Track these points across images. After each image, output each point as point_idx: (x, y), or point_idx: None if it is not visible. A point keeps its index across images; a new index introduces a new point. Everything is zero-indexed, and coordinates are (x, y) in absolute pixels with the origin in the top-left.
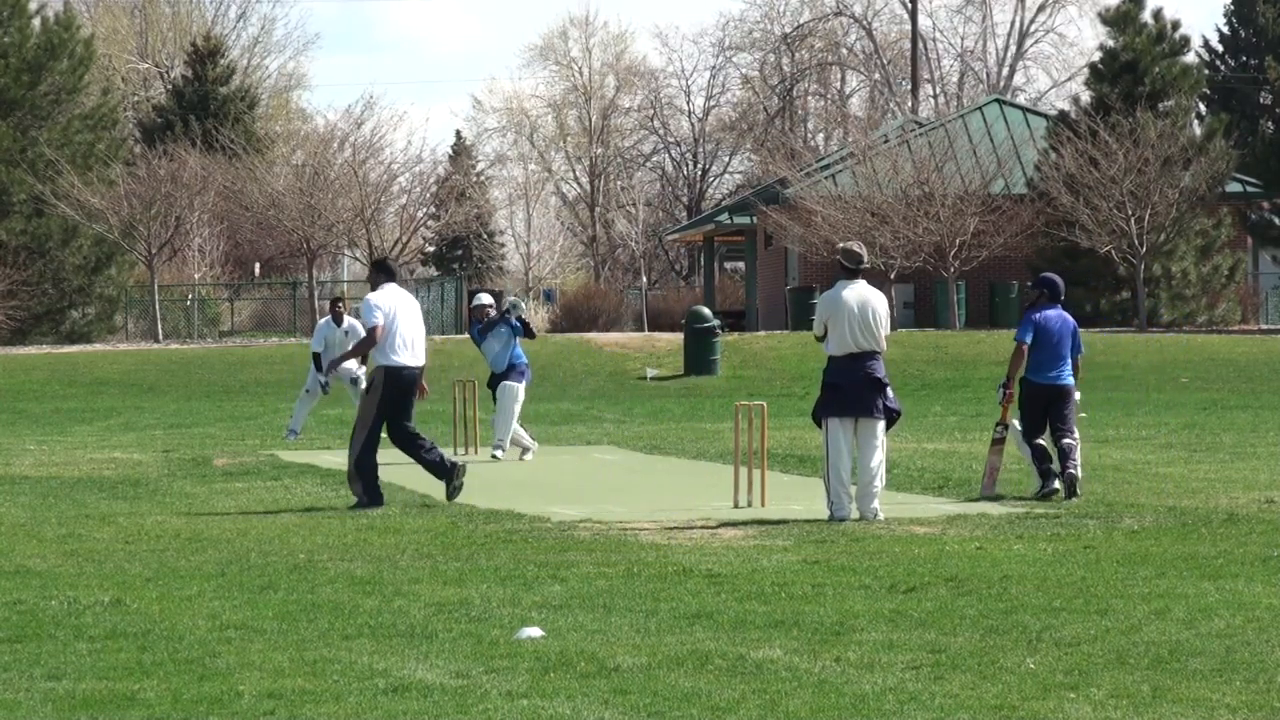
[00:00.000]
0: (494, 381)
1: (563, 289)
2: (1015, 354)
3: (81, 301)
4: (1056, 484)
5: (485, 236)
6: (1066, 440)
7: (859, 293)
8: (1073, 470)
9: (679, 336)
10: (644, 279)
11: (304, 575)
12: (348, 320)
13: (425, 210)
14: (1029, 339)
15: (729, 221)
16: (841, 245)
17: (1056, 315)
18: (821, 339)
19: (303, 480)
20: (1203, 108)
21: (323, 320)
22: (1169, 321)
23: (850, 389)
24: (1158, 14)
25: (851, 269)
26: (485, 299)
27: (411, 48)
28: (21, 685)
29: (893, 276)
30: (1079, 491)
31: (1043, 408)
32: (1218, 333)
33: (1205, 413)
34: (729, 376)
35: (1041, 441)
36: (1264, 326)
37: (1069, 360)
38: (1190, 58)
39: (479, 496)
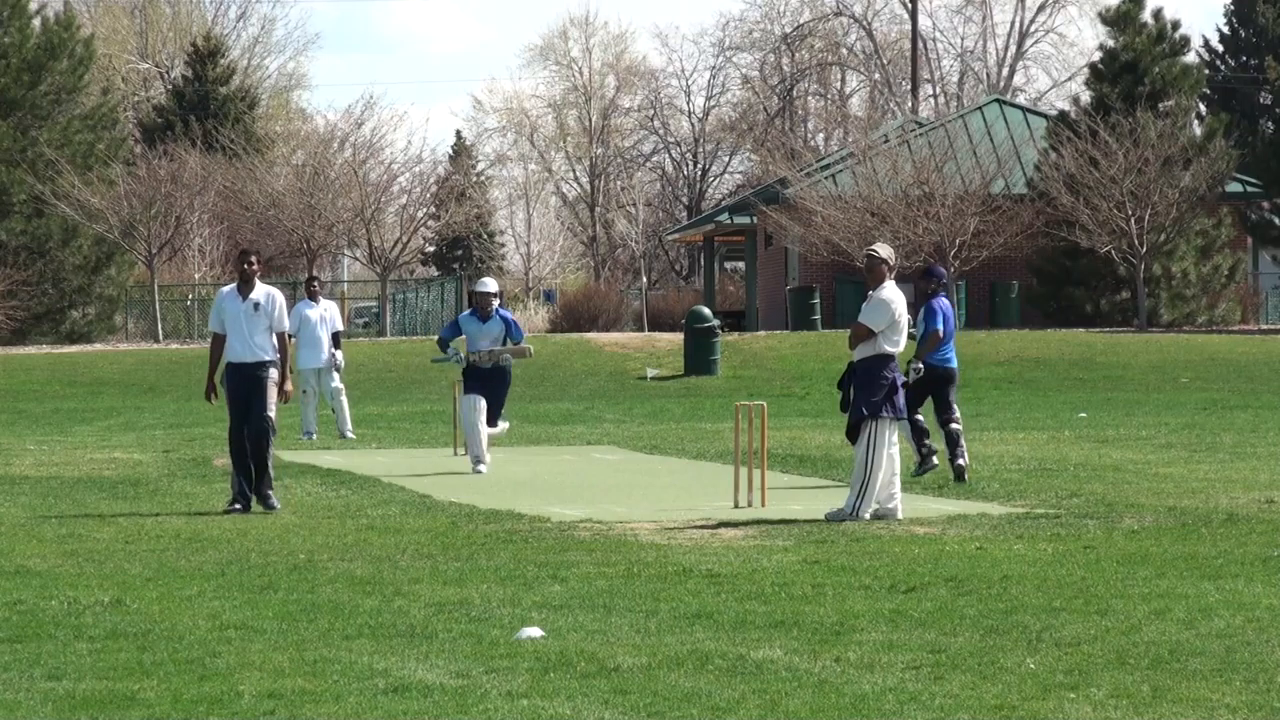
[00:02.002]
0: (471, 371)
1: (563, 289)
2: (931, 340)
3: (81, 301)
4: (936, 461)
5: (485, 236)
6: (954, 426)
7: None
8: (962, 461)
9: (679, 336)
10: (644, 279)
11: (304, 575)
12: (324, 300)
13: (425, 210)
14: (942, 327)
15: (729, 221)
16: (883, 246)
17: (948, 304)
18: (872, 336)
19: (303, 480)
20: (1203, 108)
21: (300, 302)
22: (1169, 321)
23: (901, 390)
24: (1158, 14)
25: (891, 269)
26: (492, 285)
27: (411, 48)
28: (21, 685)
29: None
30: (967, 479)
31: (931, 388)
32: (1218, 333)
33: (1205, 413)
34: (729, 376)
35: (919, 417)
36: (1264, 326)
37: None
38: (1190, 58)
39: (479, 496)
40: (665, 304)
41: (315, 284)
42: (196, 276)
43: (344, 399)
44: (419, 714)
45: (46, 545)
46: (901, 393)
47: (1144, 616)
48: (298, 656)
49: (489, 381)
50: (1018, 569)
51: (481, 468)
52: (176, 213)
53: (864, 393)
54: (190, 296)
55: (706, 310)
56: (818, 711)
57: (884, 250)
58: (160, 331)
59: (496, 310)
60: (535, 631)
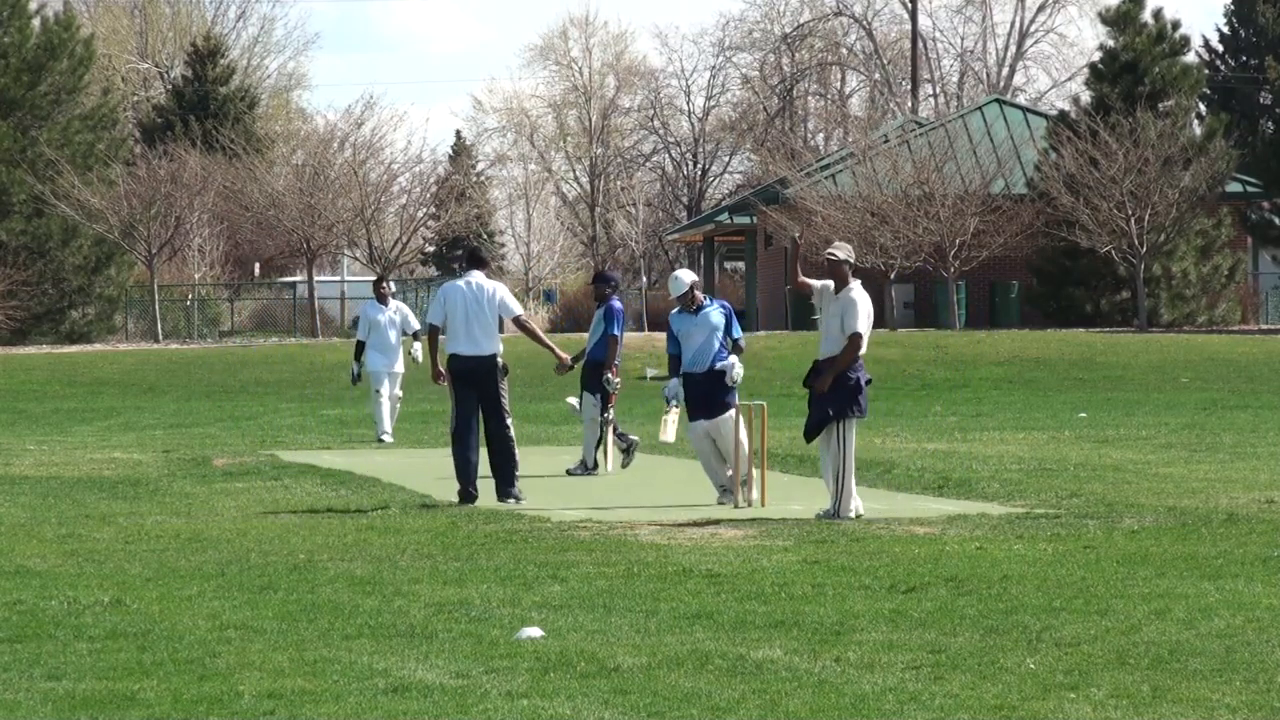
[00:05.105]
0: (695, 385)
1: (563, 289)
2: (614, 344)
3: (81, 301)
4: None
5: (485, 236)
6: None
7: None
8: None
9: None
10: (644, 279)
11: (304, 575)
12: (394, 302)
13: (425, 210)
14: (620, 330)
15: (729, 221)
16: (841, 247)
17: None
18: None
19: (303, 480)
20: (1203, 108)
21: (366, 303)
22: (1169, 321)
23: (865, 388)
24: (1158, 14)
25: (852, 267)
26: (688, 277)
27: (411, 48)
28: (21, 685)
29: (893, 276)
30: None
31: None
32: (1218, 333)
33: (1205, 413)
34: None
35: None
36: (1264, 326)
37: None
38: (1190, 58)
39: (479, 497)
40: (665, 304)
41: (384, 286)
42: (196, 276)
43: (398, 405)
44: (419, 714)
45: (46, 545)
46: (865, 391)
47: (1144, 616)
48: (298, 656)
49: (708, 390)
50: (1018, 569)
51: (727, 499)
52: (176, 213)
53: (830, 393)
54: (190, 296)
55: None
56: (818, 711)
57: (843, 251)
58: (160, 331)
59: (709, 299)
60: (535, 631)
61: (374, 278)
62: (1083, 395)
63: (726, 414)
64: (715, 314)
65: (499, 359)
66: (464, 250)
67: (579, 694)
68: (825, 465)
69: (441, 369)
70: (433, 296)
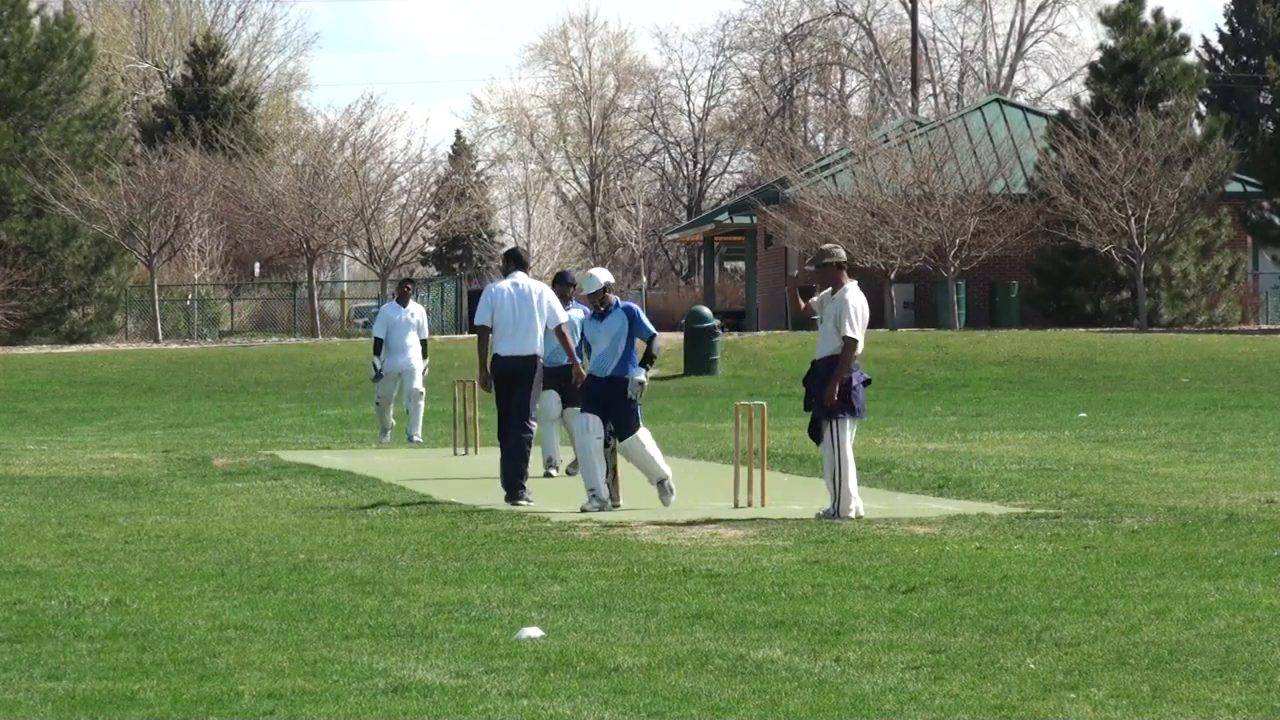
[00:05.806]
0: (595, 385)
1: None
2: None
3: (81, 301)
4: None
5: (485, 236)
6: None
7: None
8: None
9: (679, 336)
10: (644, 279)
11: (304, 575)
12: (413, 304)
13: (425, 210)
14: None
15: (729, 221)
16: (833, 247)
17: None
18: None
19: (303, 480)
20: (1203, 108)
21: (387, 304)
22: (1169, 321)
23: (859, 388)
24: (1158, 14)
25: (853, 268)
26: (602, 278)
27: (411, 48)
28: (21, 685)
29: (893, 276)
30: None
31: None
32: (1218, 333)
33: (1205, 413)
34: (729, 376)
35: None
36: (1264, 326)
37: None
38: (1190, 58)
39: (479, 496)
40: (665, 304)
41: (408, 287)
42: (196, 276)
43: (421, 403)
44: (419, 714)
45: (46, 545)
46: (860, 391)
47: (1144, 616)
48: (298, 656)
49: (607, 396)
50: (1018, 569)
51: (596, 505)
52: (176, 213)
53: (825, 394)
54: (190, 296)
55: (706, 310)
56: (818, 711)
57: (827, 255)
58: (160, 331)
59: (617, 303)
60: (535, 631)
61: (375, 278)
62: (1083, 395)
63: (631, 436)
64: (616, 319)
65: (540, 360)
66: (505, 252)
67: (579, 694)
68: (826, 465)
69: (489, 372)
70: (441, 297)
